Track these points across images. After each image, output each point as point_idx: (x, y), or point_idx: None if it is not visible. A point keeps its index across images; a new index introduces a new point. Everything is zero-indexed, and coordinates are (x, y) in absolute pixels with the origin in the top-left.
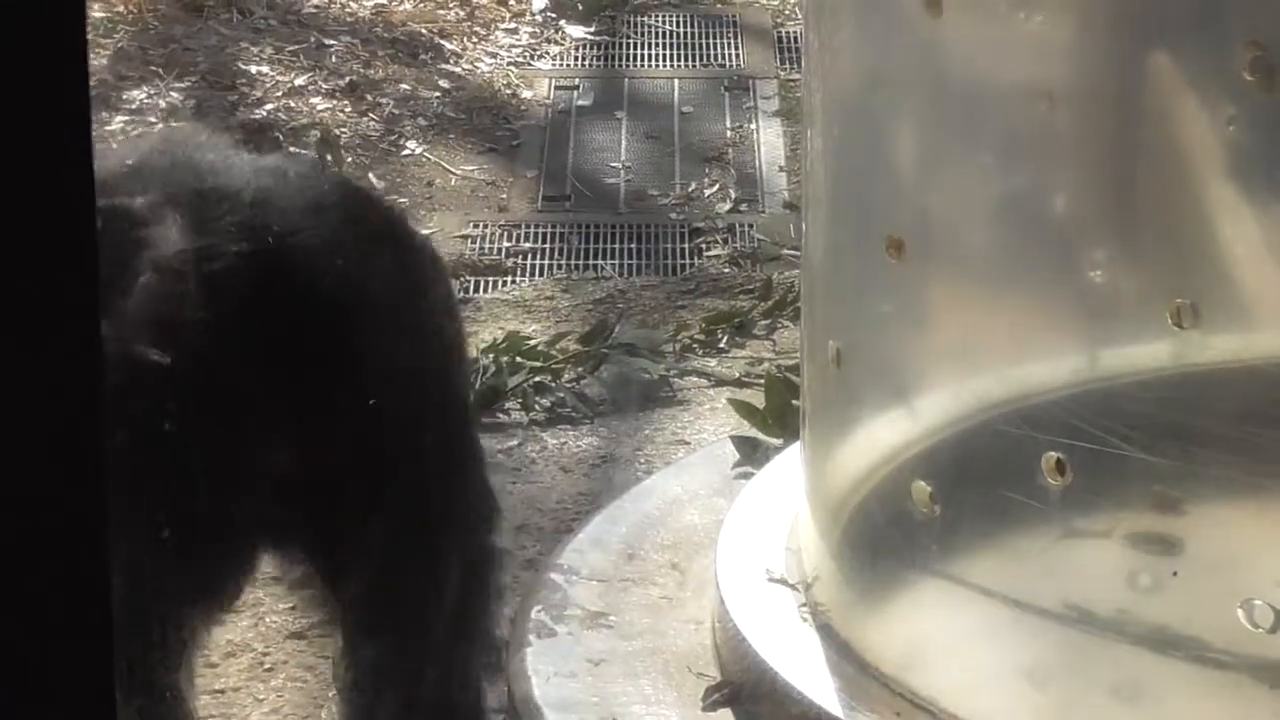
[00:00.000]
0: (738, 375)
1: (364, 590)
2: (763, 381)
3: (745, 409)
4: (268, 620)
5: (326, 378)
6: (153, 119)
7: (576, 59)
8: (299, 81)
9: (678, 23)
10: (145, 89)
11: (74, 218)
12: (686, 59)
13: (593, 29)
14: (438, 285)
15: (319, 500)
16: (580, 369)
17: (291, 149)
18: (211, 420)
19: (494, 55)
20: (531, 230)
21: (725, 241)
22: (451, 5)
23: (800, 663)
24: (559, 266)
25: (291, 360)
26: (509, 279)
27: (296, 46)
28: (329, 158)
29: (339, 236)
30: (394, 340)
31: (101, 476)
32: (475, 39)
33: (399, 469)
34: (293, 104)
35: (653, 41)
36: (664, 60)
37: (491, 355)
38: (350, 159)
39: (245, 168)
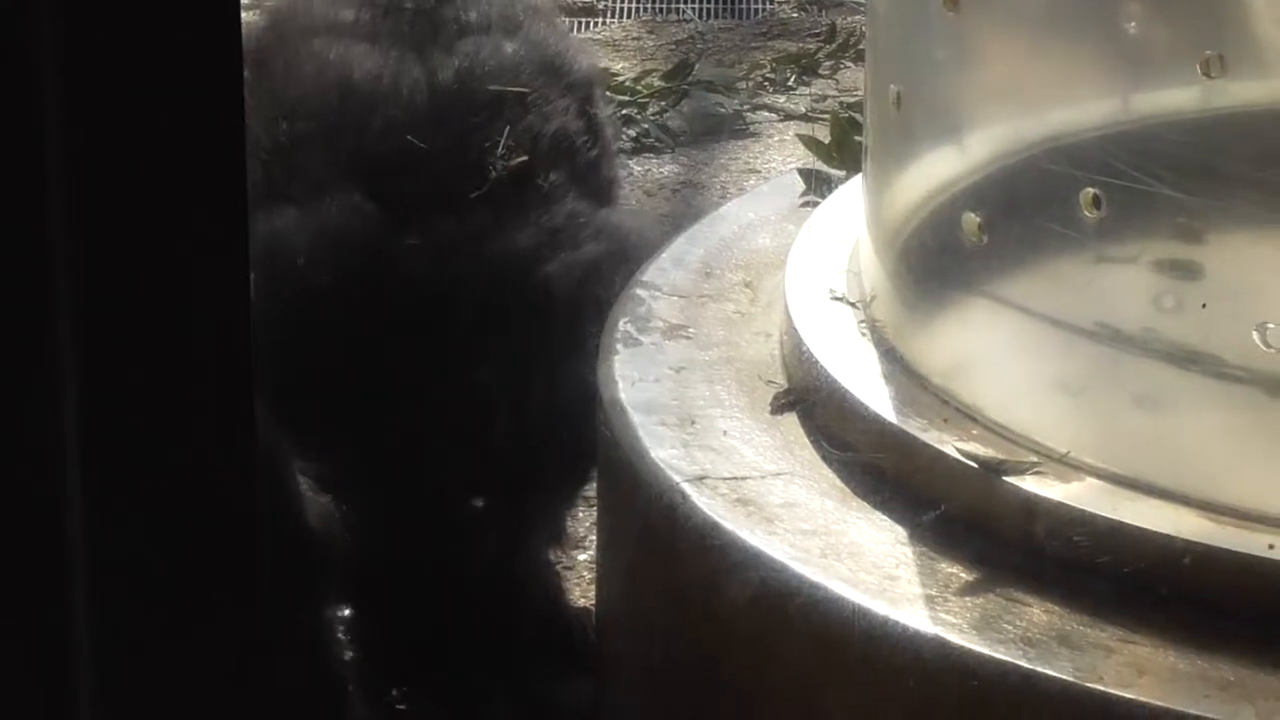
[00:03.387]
0: (804, 111)
1: None
2: (827, 116)
3: (812, 143)
4: None
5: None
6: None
7: None
8: None
9: None
10: None
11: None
12: None
13: None
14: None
15: None
16: (663, 103)
17: None
18: None
19: None
20: None
21: None
22: None
23: (859, 373)
24: (644, 9)
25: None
26: (599, 20)
27: None
28: None
29: None
30: None
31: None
32: None
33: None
34: None
35: None
36: None
37: None
38: None
39: None
